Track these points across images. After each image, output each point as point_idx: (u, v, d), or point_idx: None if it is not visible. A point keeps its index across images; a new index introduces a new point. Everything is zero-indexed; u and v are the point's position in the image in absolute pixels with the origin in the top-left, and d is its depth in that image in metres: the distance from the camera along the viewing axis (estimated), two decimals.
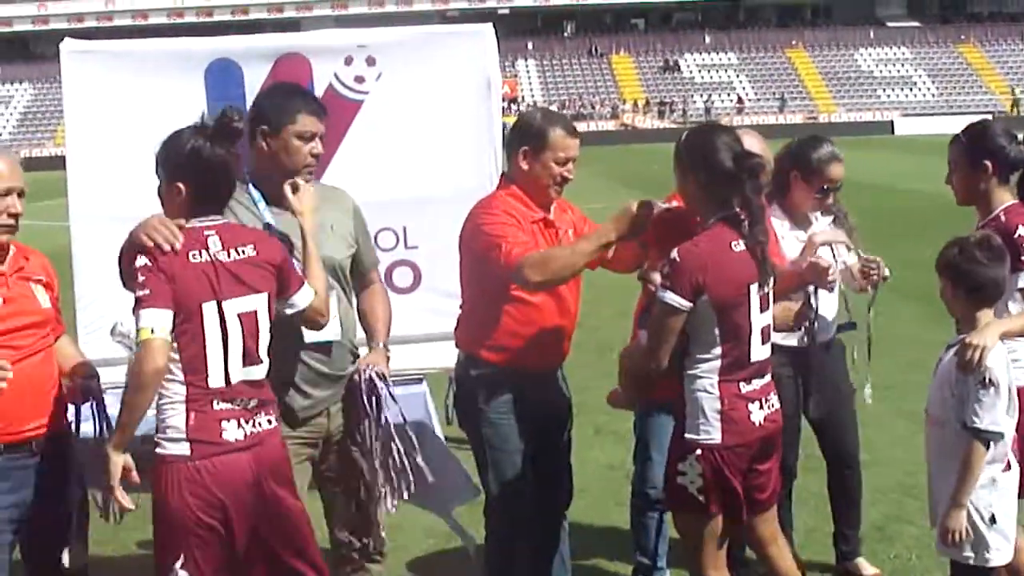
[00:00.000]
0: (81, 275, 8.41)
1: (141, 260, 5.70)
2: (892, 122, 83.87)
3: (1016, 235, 6.93)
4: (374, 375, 6.74)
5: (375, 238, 8.13)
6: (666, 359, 6.36)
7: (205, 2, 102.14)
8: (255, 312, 5.95)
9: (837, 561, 8.79)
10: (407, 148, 8.73)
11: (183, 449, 5.75)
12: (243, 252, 5.91)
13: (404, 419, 7.07)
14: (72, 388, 6.61)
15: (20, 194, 6.34)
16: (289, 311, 6.16)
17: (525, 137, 7.32)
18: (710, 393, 6.43)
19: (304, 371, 6.65)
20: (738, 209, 6.39)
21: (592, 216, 7.79)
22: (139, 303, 5.65)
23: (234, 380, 5.88)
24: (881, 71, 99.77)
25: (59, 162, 8.90)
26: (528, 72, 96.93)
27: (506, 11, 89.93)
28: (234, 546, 5.85)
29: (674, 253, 6.25)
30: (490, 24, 9.50)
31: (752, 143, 7.39)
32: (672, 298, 6.21)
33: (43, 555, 6.57)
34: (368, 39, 9.28)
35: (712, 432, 6.40)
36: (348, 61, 8.94)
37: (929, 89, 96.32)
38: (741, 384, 6.49)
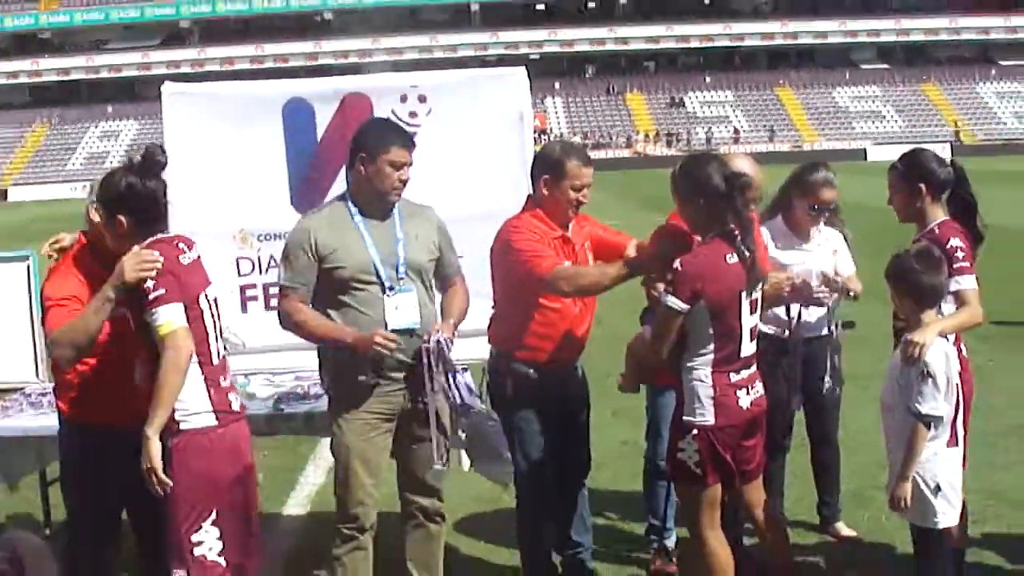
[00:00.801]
0: None
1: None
2: (865, 150, 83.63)
3: (949, 245, 7.03)
4: (441, 339, 6.76)
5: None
6: (666, 352, 6.53)
7: (281, 51, 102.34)
8: (217, 298, 6.31)
9: (820, 524, 8.86)
10: (453, 172, 8.76)
11: (210, 420, 6.00)
12: (196, 251, 6.30)
13: (461, 386, 7.40)
14: None
15: None
16: None
17: (546, 167, 7.41)
18: (704, 382, 6.57)
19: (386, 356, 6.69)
20: (732, 225, 6.48)
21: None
22: (154, 303, 5.81)
23: (218, 358, 6.17)
24: (855, 106, 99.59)
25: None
26: (555, 108, 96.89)
27: (537, 56, 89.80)
28: (248, 495, 6.20)
29: (676, 263, 6.37)
30: (523, 67, 9.54)
31: (744, 164, 7.50)
32: (673, 301, 6.35)
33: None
34: (420, 80, 9.32)
35: (707, 415, 6.55)
36: (403, 99, 8.99)
37: (896, 122, 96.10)
38: (731, 374, 6.61)
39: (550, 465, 7.64)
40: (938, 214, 7.31)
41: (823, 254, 8.19)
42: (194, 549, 5.97)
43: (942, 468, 6.59)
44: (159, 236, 6.15)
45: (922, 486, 6.55)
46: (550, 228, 7.33)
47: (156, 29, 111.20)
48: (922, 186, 7.30)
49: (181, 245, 6.17)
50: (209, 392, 6.01)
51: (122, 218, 6.18)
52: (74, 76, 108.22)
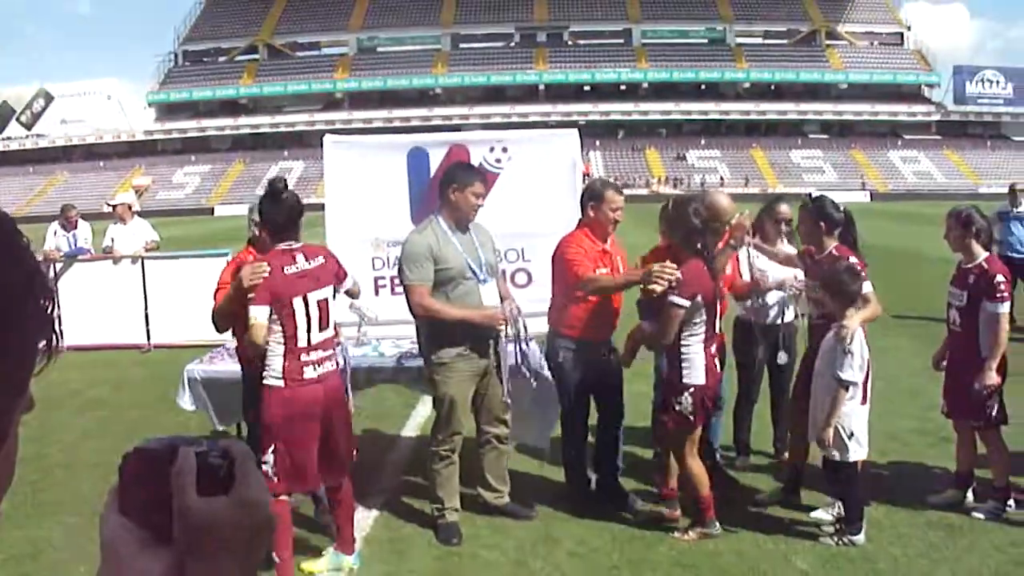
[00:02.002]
0: None
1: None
2: (810, 194, 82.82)
3: (851, 261, 7.27)
4: (516, 305, 7.29)
5: (505, 255, 8.59)
6: (672, 337, 6.77)
7: (405, 115, 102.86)
8: (326, 299, 6.29)
9: (774, 453, 8.88)
10: (526, 200, 8.85)
11: (279, 383, 6.11)
12: (317, 260, 6.30)
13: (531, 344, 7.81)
14: None
15: None
16: (343, 291, 6.63)
17: (592, 196, 7.63)
18: (699, 354, 6.87)
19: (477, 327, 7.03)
20: (700, 247, 6.90)
21: (630, 248, 8.07)
22: (251, 302, 6.02)
23: (314, 341, 6.18)
24: (804, 163, 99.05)
25: (318, 207, 9.01)
26: (596, 159, 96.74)
27: (584, 123, 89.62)
28: (304, 443, 6.18)
29: (678, 273, 6.67)
30: (576, 129, 9.63)
31: (723, 198, 8.14)
32: (679, 300, 6.65)
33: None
34: (503, 136, 9.46)
35: (700, 377, 6.86)
36: (491, 149, 9.12)
37: (833, 174, 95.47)
38: (711, 348, 6.98)
39: (585, 410, 7.84)
40: (831, 243, 7.61)
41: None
42: (261, 465, 6.09)
43: (855, 420, 6.91)
44: (285, 246, 6.24)
45: (841, 432, 6.84)
46: (594, 243, 7.51)
47: (319, 98, 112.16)
48: (823, 224, 7.62)
49: (298, 256, 6.23)
50: (284, 364, 6.10)
51: (260, 231, 6.85)
52: (261, 130, 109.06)
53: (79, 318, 15.37)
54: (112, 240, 15.98)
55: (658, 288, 6.67)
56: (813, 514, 7.41)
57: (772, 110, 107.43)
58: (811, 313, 7.85)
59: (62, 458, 9.47)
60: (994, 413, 7.33)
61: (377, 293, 8.90)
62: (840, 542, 6.83)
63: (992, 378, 7.20)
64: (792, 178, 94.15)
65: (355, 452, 6.75)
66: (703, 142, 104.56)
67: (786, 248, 8.35)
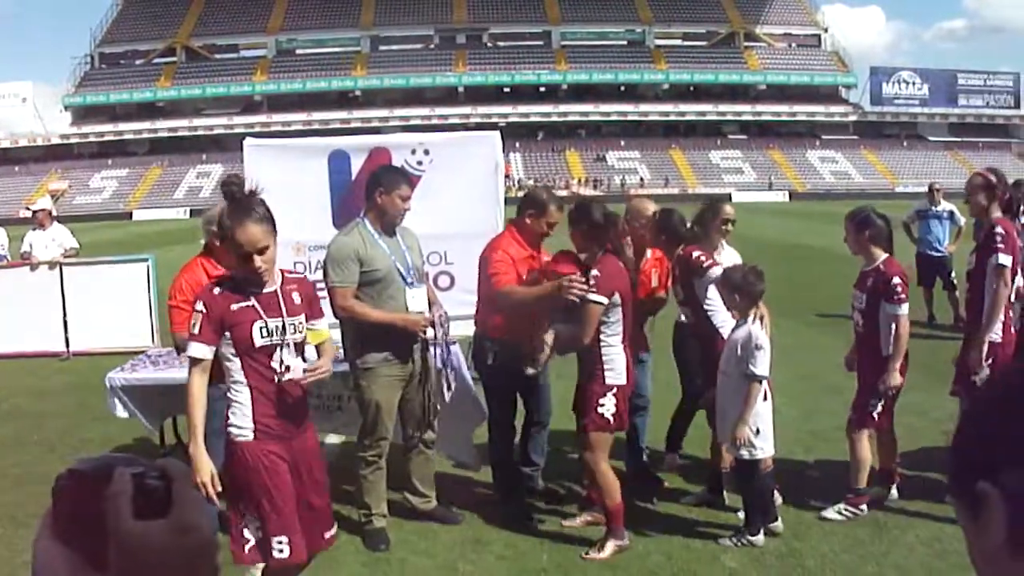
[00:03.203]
0: None
1: None
2: (730, 194, 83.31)
3: (694, 257, 7.55)
4: (444, 312, 7.25)
5: (428, 257, 8.36)
6: (592, 336, 6.68)
7: (325, 118, 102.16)
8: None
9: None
10: (448, 203, 8.88)
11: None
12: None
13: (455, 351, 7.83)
14: None
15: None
16: None
17: (535, 205, 7.58)
18: (621, 354, 6.78)
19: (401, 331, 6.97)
20: (610, 244, 6.86)
21: (550, 246, 7.86)
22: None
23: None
24: (724, 164, 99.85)
25: None
26: (516, 160, 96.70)
27: (504, 124, 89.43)
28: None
29: (595, 271, 6.64)
30: (498, 132, 9.73)
31: (647, 203, 8.46)
32: (597, 298, 6.56)
33: None
34: (424, 139, 9.63)
35: (622, 378, 6.77)
36: (413, 152, 9.18)
37: (752, 175, 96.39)
38: (627, 347, 6.86)
39: (513, 411, 7.87)
40: (675, 248, 7.85)
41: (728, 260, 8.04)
42: None
43: (761, 417, 6.90)
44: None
45: (748, 430, 6.82)
46: (523, 248, 7.54)
47: (237, 101, 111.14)
48: (663, 236, 7.93)
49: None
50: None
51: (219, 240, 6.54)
52: (179, 133, 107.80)
53: None
54: (31, 246, 15.58)
55: (574, 298, 6.65)
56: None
57: (691, 111, 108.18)
58: (685, 315, 8.02)
59: None
60: (873, 415, 7.38)
61: None
62: (739, 543, 6.85)
63: (895, 379, 7.22)
64: (712, 178, 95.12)
65: None
66: (623, 143, 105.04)
67: (727, 252, 8.25)
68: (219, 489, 5.06)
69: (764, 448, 6.90)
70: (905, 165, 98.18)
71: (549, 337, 6.87)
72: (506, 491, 7.88)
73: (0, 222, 16.92)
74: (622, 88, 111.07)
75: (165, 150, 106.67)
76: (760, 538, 6.84)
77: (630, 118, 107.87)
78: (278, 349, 5.08)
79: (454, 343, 7.81)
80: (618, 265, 6.82)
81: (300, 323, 5.17)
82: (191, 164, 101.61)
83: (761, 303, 6.99)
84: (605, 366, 6.73)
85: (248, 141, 9.32)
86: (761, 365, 6.74)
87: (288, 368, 5.10)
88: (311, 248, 8.88)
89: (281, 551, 5.03)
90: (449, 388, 7.51)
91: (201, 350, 5.08)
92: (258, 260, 4.96)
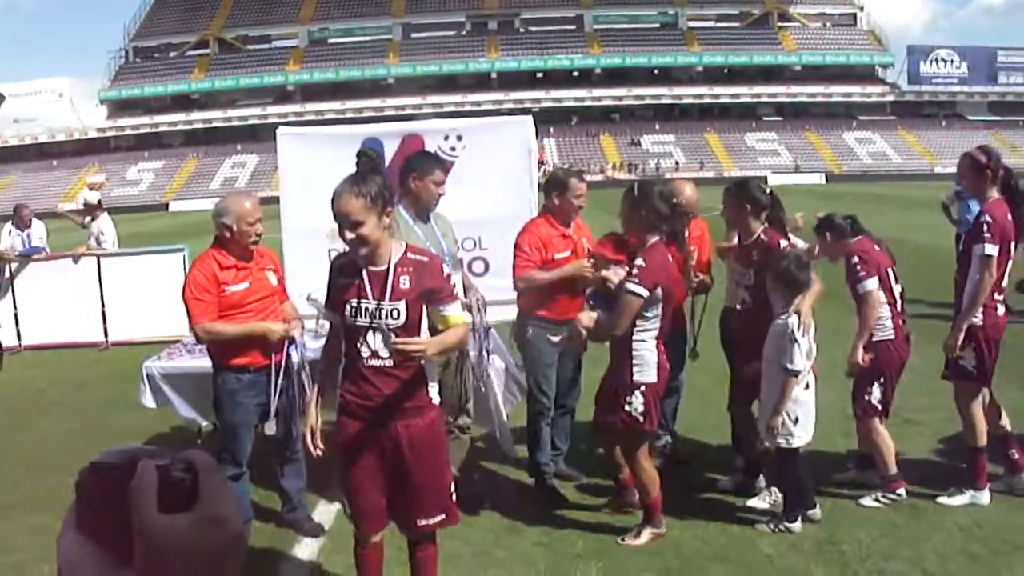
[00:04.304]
0: (288, 263, 8.46)
1: None
2: (766, 177, 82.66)
3: (781, 245, 7.17)
4: (480, 295, 7.31)
5: (462, 243, 8.46)
6: (625, 329, 6.45)
7: (358, 106, 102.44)
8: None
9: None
10: (482, 188, 8.82)
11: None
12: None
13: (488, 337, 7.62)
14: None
15: (259, 220, 6.75)
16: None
17: (556, 185, 7.65)
18: (652, 351, 6.56)
19: None
20: (667, 233, 6.65)
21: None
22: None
23: None
24: (759, 146, 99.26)
25: (274, 199, 8.96)
26: (550, 146, 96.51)
27: (537, 110, 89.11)
28: None
29: (639, 260, 6.39)
30: (531, 117, 9.63)
31: (686, 187, 8.27)
32: (638, 289, 6.29)
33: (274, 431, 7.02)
34: (457, 125, 9.52)
35: (652, 375, 6.56)
36: (446, 137, 9.12)
37: (788, 157, 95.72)
38: (661, 344, 6.64)
39: (552, 387, 7.83)
40: (757, 226, 7.39)
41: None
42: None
43: (799, 406, 6.81)
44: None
45: (786, 418, 6.75)
46: (555, 228, 7.60)
47: (271, 92, 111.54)
48: (748, 206, 7.39)
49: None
50: None
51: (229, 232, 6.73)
52: (214, 124, 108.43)
53: (37, 317, 15.43)
54: (103, 233, 16.31)
55: (613, 279, 6.62)
56: (749, 502, 7.39)
57: (726, 93, 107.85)
58: (743, 300, 7.58)
59: (23, 458, 9.42)
60: (873, 401, 7.33)
61: None
62: (776, 529, 6.81)
63: (857, 356, 7.21)
64: (747, 161, 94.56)
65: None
66: (657, 127, 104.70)
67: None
68: (320, 445, 5.20)
69: (801, 436, 6.81)
70: (944, 145, 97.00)
71: (585, 318, 6.68)
72: (541, 475, 7.90)
73: (39, 215, 17.00)
74: (656, 71, 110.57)
75: (200, 141, 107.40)
76: (797, 525, 6.79)
77: (664, 101, 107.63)
78: (367, 332, 5.03)
79: (491, 328, 7.78)
80: (667, 257, 6.59)
81: (399, 308, 5.00)
82: (226, 155, 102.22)
83: (807, 292, 6.81)
84: (634, 362, 6.55)
85: (281, 130, 9.34)
86: (796, 359, 6.64)
87: (374, 353, 5.05)
88: None
89: (354, 524, 5.39)
90: (486, 374, 7.50)
91: (327, 314, 5.33)
92: (348, 233, 4.87)
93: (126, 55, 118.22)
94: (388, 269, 5.01)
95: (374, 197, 4.88)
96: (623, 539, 6.77)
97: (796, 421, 6.76)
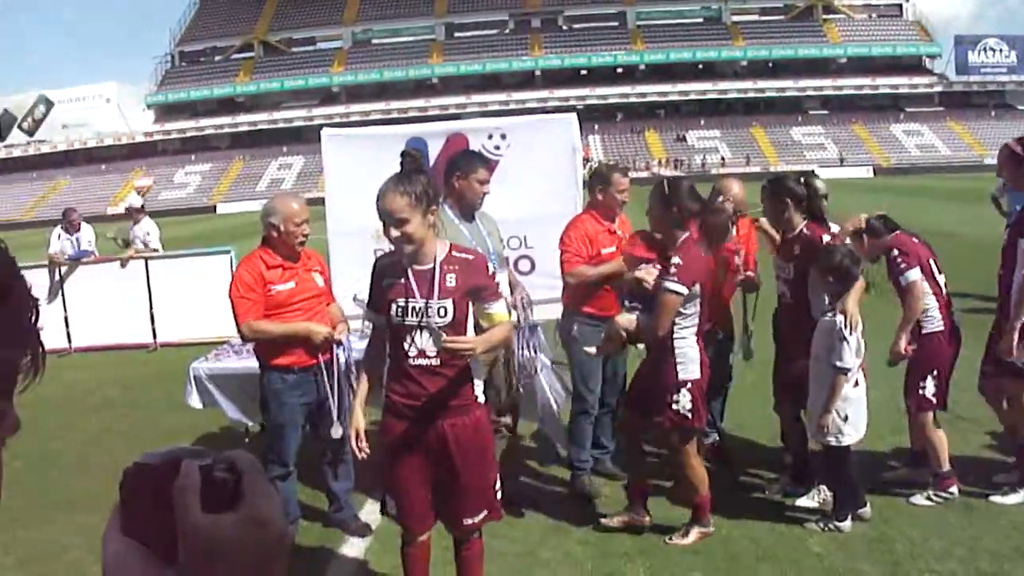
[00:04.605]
0: (334, 264, 8.49)
1: None
2: (812, 170, 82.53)
3: (824, 240, 7.04)
4: (526, 294, 7.37)
5: (508, 242, 8.39)
6: (668, 328, 6.34)
7: (403, 106, 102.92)
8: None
9: None
10: (526, 186, 8.83)
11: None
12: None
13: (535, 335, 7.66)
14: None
15: (306, 222, 6.74)
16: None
17: (599, 180, 7.64)
18: (694, 347, 6.45)
19: None
20: (696, 231, 6.48)
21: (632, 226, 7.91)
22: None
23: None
24: (805, 140, 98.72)
25: (320, 201, 8.99)
26: (595, 143, 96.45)
27: (582, 107, 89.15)
28: None
29: (676, 259, 6.26)
30: (574, 113, 9.60)
31: (733, 183, 8.14)
32: (678, 287, 6.18)
33: (321, 430, 7.03)
34: (501, 123, 9.50)
35: (696, 372, 6.44)
36: (490, 136, 9.14)
37: (834, 151, 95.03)
38: (700, 340, 6.53)
39: (599, 382, 7.82)
40: (799, 220, 7.22)
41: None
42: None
43: (850, 403, 6.69)
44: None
45: (837, 417, 6.65)
46: (600, 224, 7.58)
47: (316, 93, 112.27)
48: (788, 200, 7.22)
49: None
50: None
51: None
52: (260, 126, 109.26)
53: (87, 319, 15.68)
54: (134, 238, 16.54)
55: (648, 279, 6.51)
56: (798, 501, 7.28)
57: (771, 87, 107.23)
58: (781, 293, 7.47)
59: (73, 458, 9.54)
60: (928, 396, 7.21)
61: None
62: (826, 528, 6.72)
63: (900, 346, 7.15)
64: (794, 155, 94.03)
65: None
66: (702, 122, 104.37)
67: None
68: (365, 448, 5.19)
69: (851, 435, 6.71)
70: (993, 135, 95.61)
71: (624, 320, 6.59)
72: (576, 472, 7.91)
73: (88, 219, 17.22)
74: (700, 66, 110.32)
75: (246, 144, 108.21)
76: (847, 524, 6.69)
77: (709, 96, 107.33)
78: (413, 331, 5.02)
79: (537, 326, 7.76)
80: (701, 253, 6.46)
81: (446, 307, 4.98)
82: (272, 157, 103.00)
83: (856, 288, 6.69)
84: (677, 360, 6.43)
85: (326, 131, 9.42)
86: (846, 357, 6.53)
87: (421, 352, 5.03)
88: None
89: (401, 524, 5.40)
90: (534, 372, 7.48)
91: (369, 315, 5.35)
92: (393, 231, 4.87)
93: (172, 60, 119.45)
94: (434, 268, 5.00)
95: (419, 195, 4.87)
96: (671, 538, 6.71)
97: (846, 419, 6.66)
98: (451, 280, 4.99)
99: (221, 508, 1.00)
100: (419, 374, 5.04)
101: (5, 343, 0.90)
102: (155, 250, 16.47)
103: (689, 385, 6.41)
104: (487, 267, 5.25)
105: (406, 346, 5.03)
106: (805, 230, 7.19)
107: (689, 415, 6.43)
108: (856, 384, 6.72)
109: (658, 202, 6.52)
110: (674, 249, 6.35)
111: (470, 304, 5.09)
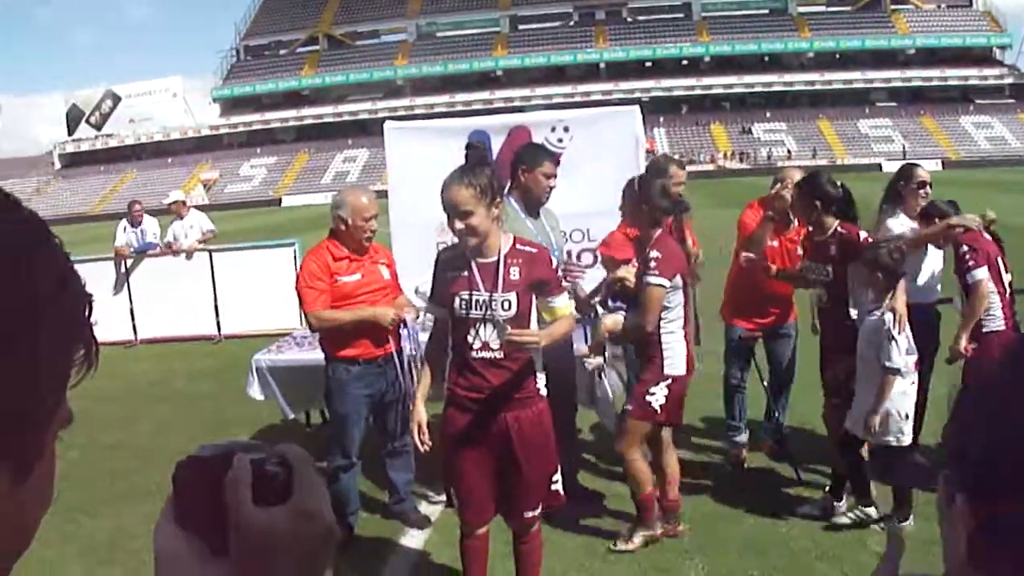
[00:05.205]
0: (397, 256, 8.52)
1: None
2: (880, 164, 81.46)
3: (862, 239, 6.88)
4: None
5: (570, 235, 8.50)
6: (656, 323, 6.33)
7: (467, 99, 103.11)
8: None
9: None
10: (590, 179, 8.73)
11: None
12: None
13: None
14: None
15: (375, 217, 6.79)
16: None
17: (657, 172, 7.56)
18: (681, 342, 6.46)
19: None
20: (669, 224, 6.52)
21: (698, 220, 7.96)
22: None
23: None
24: (873, 133, 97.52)
25: (383, 193, 9.03)
26: (660, 136, 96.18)
27: (647, 99, 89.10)
28: None
29: (654, 252, 6.27)
30: (638, 106, 9.57)
31: (795, 172, 7.99)
32: (659, 280, 6.18)
33: (384, 422, 7.11)
34: (565, 115, 9.39)
35: (681, 367, 6.45)
36: (553, 129, 9.05)
37: (902, 144, 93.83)
38: (686, 336, 6.54)
39: None
40: (832, 221, 7.04)
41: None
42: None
43: (909, 401, 6.51)
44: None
45: (896, 416, 6.45)
46: None
47: (380, 86, 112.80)
48: (818, 202, 7.03)
49: None
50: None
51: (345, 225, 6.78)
52: (325, 119, 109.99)
53: (152, 312, 15.88)
54: (173, 235, 16.43)
55: (629, 278, 6.57)
56: (835, 519, 6.96)
57: (838, 79, 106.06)
58: (819, 296, 7.32)
59: (140, 448, 9.72)
60: None
61: None
62: (890, 529, 6.42)
63: (961, 344, 7.11)
64: (861, 148, 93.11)
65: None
66: (768, 115, 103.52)
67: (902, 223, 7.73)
68: (427, 441, 5.26)
69: (907, 434, 6.54)
70: None
71: (610, 321, 6.68)
72: None
73: (154, 212, 17.44)
74: (766, 58, 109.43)
75: (311, 137, 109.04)
76: (908, 524, 6.47)
77: (775, 89, 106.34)
78: (477, 324, 5.05)
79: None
80: (676, 245, 6.48)
81: (510, 300, 5.02)
82: (337, 149, 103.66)
83: (899, 288, 6.53)
84: (664, 354, 6.41)
85: (388, 124, 9.43)
86: (895, 356, 6.36)
87: (485, 345, 5.06)
88: None
89: (461, 516, 5.42)
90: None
91: (431, 308, 5.40)
92: (458, 223, 4.91)
93: (237, 54, 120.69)
94: (498, 260, 5.04)
95: (484, 188, 4.91)
96: (615, 544, 6.67)
97: (907, 418, 6.50)
98: (515, 273, 5.03)
99: (272, 502, 1.02)
100: (483, 367, 5.06)
101: (60, 337, 0.91)
102: (214, 231, 16.71)
103: (671, 380, 6.41)
104: (551, 260, 5.29)
105: (470, 339, 5.05)
106: (840, 229, 7.01)
107: (659, 409, 6.40)
108: (913, 383, 6.58)
109: (630, 200, 6.70)
110: (651, 245, 6.36)
111: (534, 297, 5.10)
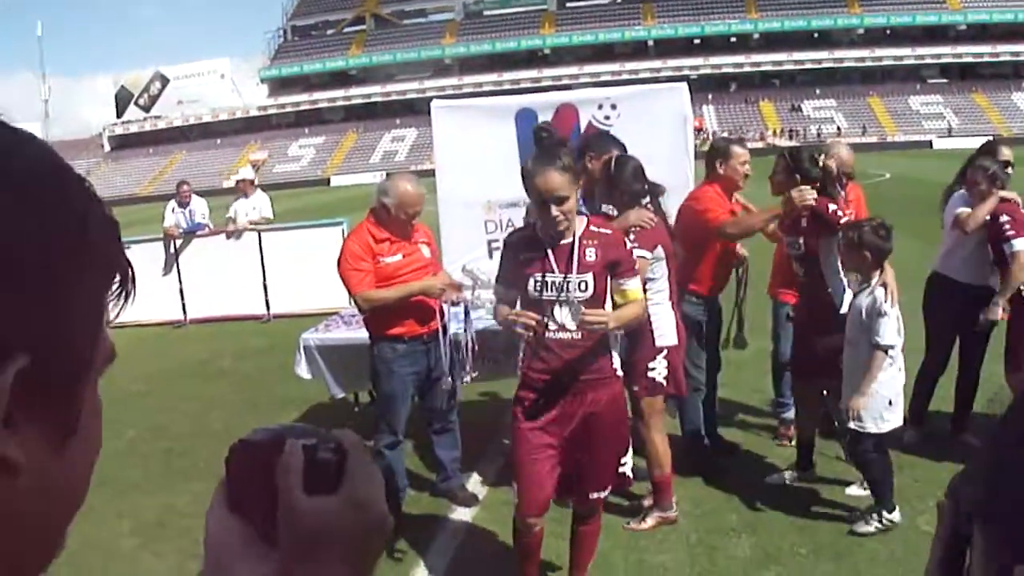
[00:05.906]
0: (444, 234, 8.51)
1: None
2: (931, 141, 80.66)
3: (830, 210, 6.70)
4: None
5: None
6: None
7: (515, 77, 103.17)
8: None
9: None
10: (637, 157, 8.67)
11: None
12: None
13: None
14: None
15: (419, 211, 6.76)
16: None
17: (719, 153, 7.51)
18: (669, 314, 6.47)
19: None
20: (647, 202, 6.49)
21: (746, 196, 7.86)
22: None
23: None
24: (924, 110, 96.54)
25: (430, 172, 9.01)
26: (709, 113, 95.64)
27: (695, 76, 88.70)
28: None
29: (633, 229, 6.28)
30: (686, 83, 9.52)
31: (843, 150, 8.11)
32: (640, 252, 6.04)
33: (430, 400, 7.07)
34: (612, 93, 9.36)
35: (672, 337, 6.48)
36: (600, 107, 9.04)
37: (954, 121, 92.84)
38: (674, 305, 6.56)
39: (703, 361, 7.73)
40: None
41: None
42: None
43: (895, 385, 6.33)
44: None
45: (880, 400, 6.26)
46: (724, 201, 7.40)
47: (428, 65, 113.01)
48: (797, 176, 6.88)
49: None
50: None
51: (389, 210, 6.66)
52: (373, 99, 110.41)
53: (201, 291, 15.97)
54: (235, 212, 16.55)
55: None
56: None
57: (888, 55, 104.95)
58: (795, 273, 7.18)
59: (190, 427, 9.80)
60: None
61: (491, 256, 8.76)
62: (881, 524, 6.32)
63: (996, 313, 7.14)
64: (911, 125, 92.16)
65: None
66: (818, 91, 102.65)
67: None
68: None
69: (892, 421, 6.34)
70: None
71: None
72: (694, 447, 7.78)
73: (203, 193, 17.57)
74: (815, 35, 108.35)
75: (359, 117, 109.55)
76: (896, 514, 6.34)
77: (824, 65, 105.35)
78: (552, 305, 5.03)
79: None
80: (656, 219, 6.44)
81: (586, 281, 5.00)
82: (385, 129, 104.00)
83: (887, 265, 6.37)
84: (654, 327, 6.37)
85: (436, 103, 9.42)
86: (888, 334, 6.17)
87: (561, 326, 5.04)
88: (501, 206, 8.97)
89: (519, 508, 5.30)
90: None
91: (498, 290, 5.34)
92: (555, 210, 4.87)
93: (284, 34, 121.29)
94: (573, 242, 5.02)
95: (575, 171, 4.95)
96: (628, 523, 6.67)
97: (890, 403, 6.30)
98: (591, 255, 5.02)
99: (324, 489, 1.00)
100: (559, 347, 5.05)
101: (89, 270, 0.86)
102: (268, 219, 16.73)
103: (666, 352, 6.44)
104: (625, 243, 5.30)
105: (545, 320, 5.02)
106: (813, 201, 6.82)
107: (664, 382, 6.44)
108: (900, 369, 6.38)
109: (605, 182, 6.64)
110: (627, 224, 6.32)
111: (608, 279, 5.09)
